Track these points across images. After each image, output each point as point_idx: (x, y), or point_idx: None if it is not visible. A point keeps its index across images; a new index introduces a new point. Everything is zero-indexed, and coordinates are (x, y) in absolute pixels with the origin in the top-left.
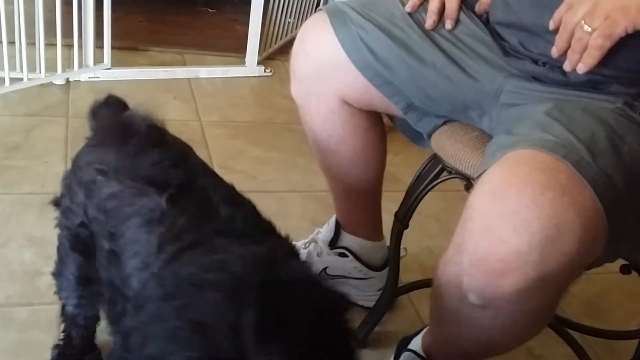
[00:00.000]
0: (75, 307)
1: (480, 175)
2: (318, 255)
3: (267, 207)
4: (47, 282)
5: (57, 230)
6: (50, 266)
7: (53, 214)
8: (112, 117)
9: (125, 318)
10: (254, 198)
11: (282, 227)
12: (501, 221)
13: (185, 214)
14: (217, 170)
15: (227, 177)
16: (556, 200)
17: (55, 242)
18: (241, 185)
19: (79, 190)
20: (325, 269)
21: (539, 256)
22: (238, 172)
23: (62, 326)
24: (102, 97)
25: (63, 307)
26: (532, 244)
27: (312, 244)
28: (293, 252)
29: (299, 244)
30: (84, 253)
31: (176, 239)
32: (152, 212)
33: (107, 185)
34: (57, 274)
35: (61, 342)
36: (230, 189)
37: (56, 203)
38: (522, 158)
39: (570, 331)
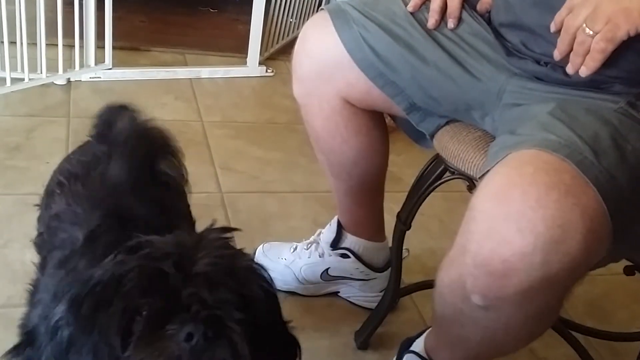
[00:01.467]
0: None
1: (483, 175)
2: (320, 256)
3: (268, 207)
4: None
5: None
6: None
7: None
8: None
9: None
10: (255, 199)
11: (284, 228)
12: (505, 222)
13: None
14: (218, 171)
15: (228, 177)
16: (560, 201)
17: None
18: (243, 186)
19: (44, 199)
20: (327, 269)
21: (543, 257)
22: (239, 172)
23: None
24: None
25: None
26: (536, 245)
27: (314, 245)
28: None
29: (300, 244)
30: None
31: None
32: (71, 247)
33: (58, 202)
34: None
35: None
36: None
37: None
38: (526, 158)
39: (573, 333)
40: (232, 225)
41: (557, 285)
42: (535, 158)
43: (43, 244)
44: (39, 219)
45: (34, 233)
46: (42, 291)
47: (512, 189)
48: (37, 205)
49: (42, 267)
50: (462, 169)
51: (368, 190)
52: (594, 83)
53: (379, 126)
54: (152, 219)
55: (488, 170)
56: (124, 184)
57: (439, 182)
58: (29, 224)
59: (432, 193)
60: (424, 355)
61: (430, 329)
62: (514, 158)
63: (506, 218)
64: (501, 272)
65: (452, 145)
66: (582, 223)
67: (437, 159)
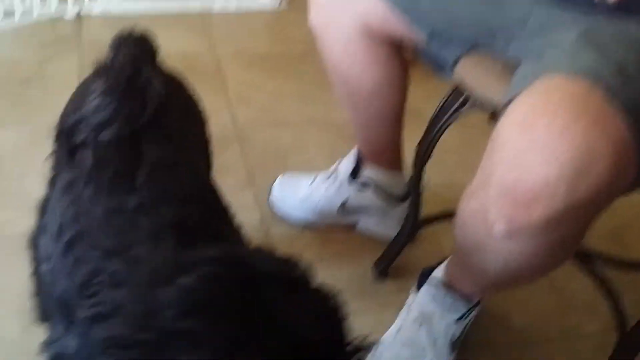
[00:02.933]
0: None
1: (506, 104)
2: (339, 188)
3: (284, 140)
4: None
5: None
6: None
7: None
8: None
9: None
10: (271, 131)
11: (301, 160)
12: (530, 151)
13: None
14: (233, 102)
15: (243, 109)
16: (587, 129)
17: None
18: (257, 119)
19: None
20: (346, 200)
21: (568, 186)
22: (254, 105)
23: None
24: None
25: None
26: (561, 174)
27: (332, 176)
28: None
29: (318, 176)
30: None
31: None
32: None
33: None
34: None
35: None
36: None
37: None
38: (552, 85)
39: (593, 262)
40: (248, 158)
41: (581, 214)
42: (561, 85)
43: (54, 162)
44: (54, 140)
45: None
46: (49, 213)
47: (538, 117)
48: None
49: (51, 184)
50: (484, 99)
51: (387, 120)
52: (623, 7)
53: (398, 57)
54: (165, 146)
55: (512, 99)
56: (138, 114)
57: (460, 112)
58: (45, 155)
59: (451, 126)
60: (444, 283)
61: (449, 258)
62: (540, 85)
63: (531, 147)
64: (525, 201)
65: (474, 74)
66: (609, 151)
67: (458, 89)
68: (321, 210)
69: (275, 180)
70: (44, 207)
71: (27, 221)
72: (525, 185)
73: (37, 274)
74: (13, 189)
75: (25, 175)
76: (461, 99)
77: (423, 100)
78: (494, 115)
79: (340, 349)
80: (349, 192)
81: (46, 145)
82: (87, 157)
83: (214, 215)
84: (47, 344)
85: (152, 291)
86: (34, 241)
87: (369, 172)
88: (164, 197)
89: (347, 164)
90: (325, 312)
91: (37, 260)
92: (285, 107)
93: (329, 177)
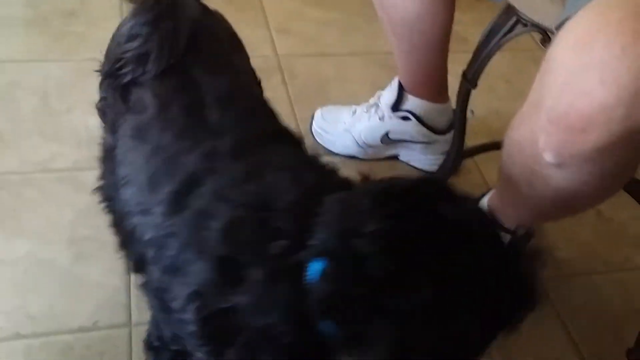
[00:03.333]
0: None
1: (560, 25)
2: (380, 119)
3: (326, 71)
4: None
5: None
6: None
7: None
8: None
9: None
10: (312, 62)
11: (343, 91)
12: (586, 73)
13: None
14: (274, 33)
15: (284, 40)
16: None
17: None
18: (299, 49)
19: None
20: (387, 132)
21: (627, 111)
22: (296, 34)
23: None
24: None
25: None
26: (620, 98)
27: (374, 108)
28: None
29: (360, 108)
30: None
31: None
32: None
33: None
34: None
35: None
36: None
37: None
38: (612, 2)
39: None
40: (290, 89)
41: (638, 141)
42: (622, 1)
43: (108, 108)
44: (101, 85)
45: (95, 99)
46: (125, 164)
47: (596, 36)
48: (97, 70)
49: (112, 130)
50: (537, 20)
51: (431, 48)
52: None
53: None
54: (219, 77)
55: (567, 19)
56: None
57: (510, 35)
58: (90, 90)
59: (499, 52)
60: (488, 214)
61: (494, 190)
62: (599, 2)
63: (587, 68)
64: (579, 127)
65: None
66: None
67: (508, 10)
68: (364, 141)
69: (316, 111)
70: (110, 156)
71: (74, 155)
72: (579, 109)
73: (122, 226)
74: (60, 123)
75: (71, 110)
76: (510, 22)
77: (470, 26)
78: (546, 39)
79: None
80: (391, 124)
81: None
82: (146, 99)
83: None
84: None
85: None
86: (109, 193)
87: (410, 104)
88: (249, 135)
89: (388, 95)
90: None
91: (122, 213)
92: (327, 37)
93: (369, 109)
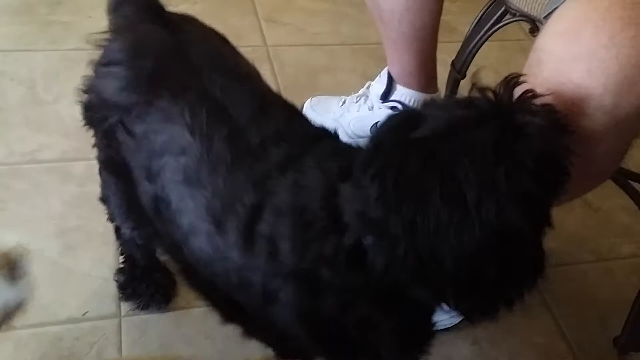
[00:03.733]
0: (132, 230)
1: (549, 15)
2: (369, 110)
3: (316, 60)
4: None
5: None
6: None
7: None
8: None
9: None
10: (302, 52)
11: (332, 81)
12: (574, 63)
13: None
14: (263, 23)
15: (274, 30)
16: (637, 38)
17: None
18: (289, 39)
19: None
20: (376, 123)
21: (614, 100)
22: (285, 24)
23: (121, 249)
24: None
25: (117, 230)
26: (607, 87)
27: (363, 98)
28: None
29: (349, 98)
30: (122, 177)
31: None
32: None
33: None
34: (105, 199)
35: (124, 266)
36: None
37: (89, 120)
38: None
39: (631, 183)
40: (279, 79)
41: (625, 130)
42: None
43: (129, 152)
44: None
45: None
46: (187, 214)
47: (584, 25)
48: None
49: (148, 178)
50: (525, 10)
51: (420, 38)
52: None
53: None
54: (228, 77)
55: (555, 9)
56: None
57: (498, 25)
58: (76, 80)
59: (487, 42)
60: None
61: None
62: None
63: (575, 58)
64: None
65: None
66: None
67: (497, 0)
68: (354, 131)
69: (305, 101)
70: (160, 207)
71: (62, 145)
72: (567, 98)
73: (200, 277)
74: (47, 114)
75: (58, 99)
76: (499, 12)
77: (459, 15)
78: (535, 29)
79: None
80: (381, 114)
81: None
82: (179, 137)
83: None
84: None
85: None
86: (172, 246)
87: (399, 95)
88: (292, 147)
89: (377, 86)
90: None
91: (195, 264)
92: (316, 27)
93: (359, 99)
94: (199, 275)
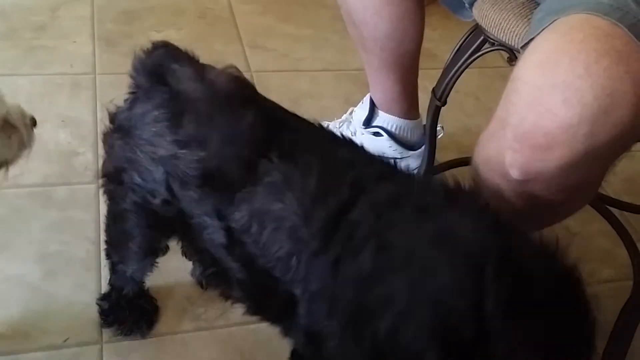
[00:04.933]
0: (135, 271)
1: (526, 45)
2: (352, 135)
3: (299, 86)
4: (83, 162)
5: (88, 112)
6: (85, 146)
7: (85, 94)
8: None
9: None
10: (286, 77)
11: (315, 107)
12: (551, 92)
13: (309, 170)
14: (247, 49)
15: (258, 55)
16: (611, 69)
17: (88, 123)
18: (273, 65)
19: (154, 167)
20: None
21: (590, 129)
22: (269, 50)
23: (110, 279)
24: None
25: (113, 265)
26: (582, 116)
27: (346, 124)
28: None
29: (332, 123)
30: (163, 229)
31: (319, 203)
32: (269, 176)
33: (196, 158)
34: (116, 246)
35: (110, 293)
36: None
37: (111, 178)
38: (575, 23)
39: (609, 208)
40: None
41: (601, 158)
42: (584, 23)
43: (200, 202)
44: (162, 187)
45: (65, 113)
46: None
47: (559, 56)
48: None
49: (222, 215)
50: (503, 39)
51: (402, 65)
52: None
53: None
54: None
55: (532, 39)
56: None
57: (478, 54)
58: (60, 105)
59: (468, 69)
60: None
61: None
62: (562, 24)
63: (552, 88)
64: (543, 145)
65: (492, 13)
66: (633, 92)
67: (476, 29)
68: None
69: None
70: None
71: (44, 170)
72: (544, 128)
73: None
74: None
75: (41, 124)
76: (479, 41)
77: (439, 42)
78: (513, 58)
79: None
80: (363, 139)
81: (60, 94)
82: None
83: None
84: None
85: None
86: None
87: (381, 120)
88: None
89: (359, 111)
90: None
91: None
92: (299, 53)
93: (341, 125)
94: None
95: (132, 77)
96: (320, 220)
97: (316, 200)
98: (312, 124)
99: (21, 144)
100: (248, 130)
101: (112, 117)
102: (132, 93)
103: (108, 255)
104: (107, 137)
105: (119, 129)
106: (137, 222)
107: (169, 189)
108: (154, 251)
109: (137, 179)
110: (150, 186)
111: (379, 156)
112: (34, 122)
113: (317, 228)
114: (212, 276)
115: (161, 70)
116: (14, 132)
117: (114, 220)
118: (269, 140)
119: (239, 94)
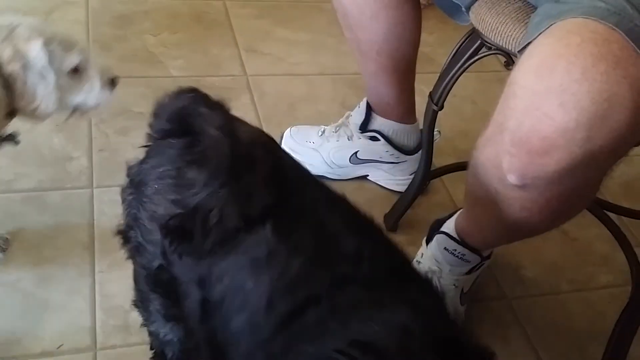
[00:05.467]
0: (166, 335)
1: (523, 49)
2: (349, 139)
3: (295, 90)
4: (78, 167)
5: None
6: (79, 150)
7: None
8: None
9: None
10: (282, 81)
11: (312, 111)
12: (548, 97)
13: (297, 252)
14: (243, 53)
15: (254, 60)
16: (608, 73)
17: (83, 128)
18: (269, 69)
19: (152, 227)
20: (356, 153)
21: (587, 133)
22: (265, 54)
23: (152, 344)
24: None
25: (146, 327)
26: (579, 121)
27: (343, 128)
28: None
29: (328, 128)
30: (167, 295)
31: (288, 292)
32: (257, 248)
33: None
34: (142, 307)
35: (154, 357)
36: (342, 201)
37: (123, 236)
38: (572, 28)
39: (608, 213)
40: (258, 109)
41: (599, 163)
42: (581, 27)
43: (188, 269)
44: (159, 250)
45: (61, 119)
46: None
47: (556, 61)
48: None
49: (203, 284)
50: (500, 43)
51: (398, 69)
52: None
53: (410, 0)
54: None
55: (529, 43)
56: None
57: (475, 58)
58: None
59: (465, 73)
60: (455, 235)
61: (461, 209)
62: (559, 28)
63: (549, 92)
64: (541, 149)
65: (489, 18)
66: (630, 97)
67: (473, 34)
68: (333, 161)
69: (285, 131)
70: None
71: (38, 175)
72: (541, 132)
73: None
74: (23, 143)
75: (34, 129)
76: (476, 45)
77: (436, 46)
78: (510, 62)
79: None
80: (360, 144)
81: None
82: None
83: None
84: None
85: None
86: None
87: (378, 125)
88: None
89: (356, 116)
90: None
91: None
92: (296, 57)
93: (338, 129)
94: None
95: (150, 125)
96: (281, 314)
97: (287, 290)
98: (333, 193)
99: (92, 94)
100: (250, 197)
101: (127, 171)
102: (146, 146)
103: (144, 321)
104: (122, 192)
105: (131, 184)
106: (147, 284)
107: (164, 253)
108: (171, 317)
109: (140, 239)
110: (150, 248)
111: (387, 255)
112: (114, 81)
113: (274, 321)
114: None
115: (187, 114)
116: (88, 81)
117: (133, 278)
118: (272, 206)
119: (260, 158)
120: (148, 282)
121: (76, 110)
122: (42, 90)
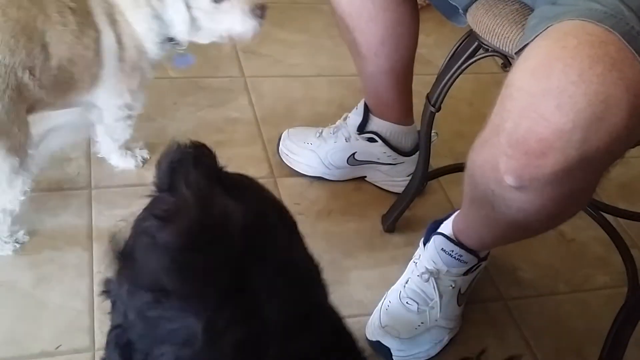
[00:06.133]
0: None
1: (520, 51)
2: (346, 141)
3: (293, 92)
4: (76, 168)
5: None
6: (78, 152)
7: None
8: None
9: None
10: (280, 83)
11: (310, 112)
12: (544, 99)
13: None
14: (241, 54)
15: (252, 61)
16: (605, 75)
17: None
18: (267, 70)
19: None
20: (353, 154)
21: (583, 135)
22: (263, 56)
23: None
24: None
25: None
26: (576, 122)
27: (340, 129)
28: None
29: (326, 129)
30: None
31: None
32: (186, 343)
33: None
34: None
35: None
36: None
37: (105, 287)
38: (568, 30)
39: (604, 214)
40: (256, 110)
41: (595, 164)
42: (578, 29)
43: (139, 337)
44: (122, 308)
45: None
46: None
47: (553, 63)
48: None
49: None
50: (497, 45)
51: (396, 71)
52: None
53: (408, 2)
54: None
55: (526, 45)
56: None
57: (472, 60)
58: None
59: (462, 75)
60: (452, 237)
61: (458, 211)
62: (556, 30)
63: (545, 94)
64: (537, 151)
65: (487, 20)
66: (627, 99)
67: (470, 35)
68: (331, 162)
69: (283, 132)
70: None
71: (35, 176)
72: (538, 134)
73: None
74: None
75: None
76: (473, 47)
77: (434, 48)
78: (507, 64)
79: None
80: (358, 145)
81: None
82: None
83: None
84: None
85: None
86: None
87: (376, 126)
88: None
89: (354, 117)
90: None
91: None
92: (293, 58)
93: (336, 130)
94: None
95: (155, 184)
96: None
97: None
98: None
99: (238, 22)
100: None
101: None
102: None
103: None
104: None
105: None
106: (110, 342)
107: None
108: None
109: (115, 289)
110: (118, 302)
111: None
112: (262, 9)
113: None
114: None
115: (173, 170)
116: (234, 8)
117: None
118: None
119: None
120: (111, 339)
121: (225, 37)
122: (178, 18)
